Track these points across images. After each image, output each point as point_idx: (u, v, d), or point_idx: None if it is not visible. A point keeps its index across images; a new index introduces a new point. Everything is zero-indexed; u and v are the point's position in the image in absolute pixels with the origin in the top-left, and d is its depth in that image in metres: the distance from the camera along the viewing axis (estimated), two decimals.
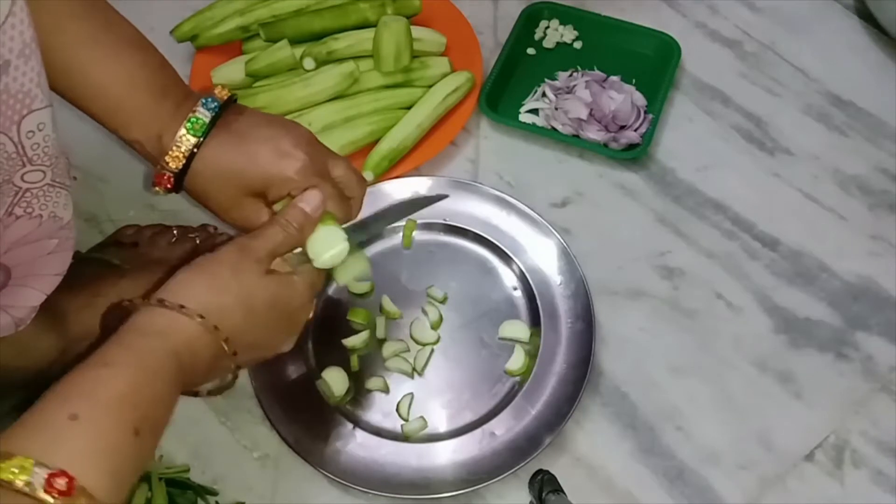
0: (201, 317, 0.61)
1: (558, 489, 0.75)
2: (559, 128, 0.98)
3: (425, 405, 0.82)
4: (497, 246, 0.89)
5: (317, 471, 0.78)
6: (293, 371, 0.83)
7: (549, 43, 1.06)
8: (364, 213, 0.78)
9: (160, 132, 0.69)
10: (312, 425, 0.80)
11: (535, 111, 1.00)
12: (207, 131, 0.69)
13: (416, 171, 0.94)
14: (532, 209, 0.90)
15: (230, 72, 0.99)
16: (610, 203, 0.95)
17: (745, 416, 0.82)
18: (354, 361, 0.84)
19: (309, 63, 0.96)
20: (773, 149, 0.98)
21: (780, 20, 1.07)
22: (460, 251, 0.90)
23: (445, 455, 0.79)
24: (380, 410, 0.82)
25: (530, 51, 1.06)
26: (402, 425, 0.81)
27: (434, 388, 0.83)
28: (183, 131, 0.68)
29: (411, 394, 0.82)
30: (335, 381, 0.82)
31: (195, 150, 0.68)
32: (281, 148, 0.70)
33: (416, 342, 0.85)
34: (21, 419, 0.52)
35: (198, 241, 0.89)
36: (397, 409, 0.82)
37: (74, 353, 0.79)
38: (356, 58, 0.97)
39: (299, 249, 0.70)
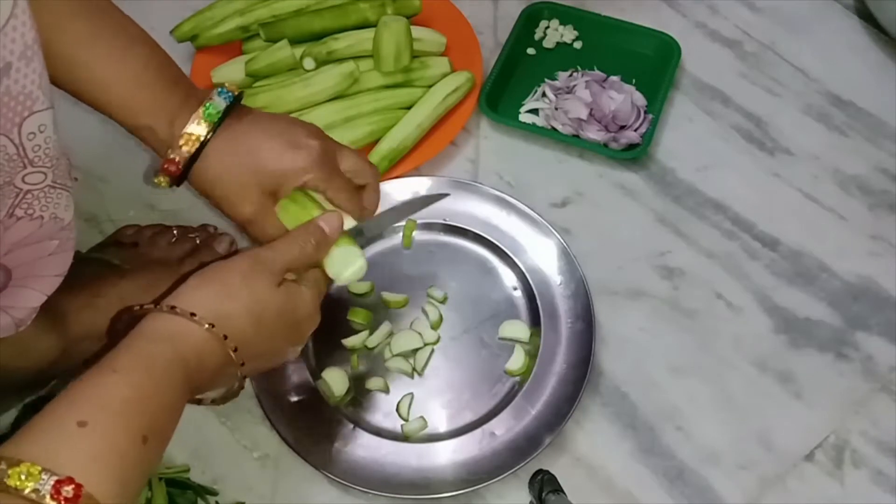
0: (212, 325, 0.61)
1: (558, 489, 0.75)
2: (559, 128, 0.98)
3: (425, 405, 0.82)
4: (497, 246, 0.89)
5: (317, 471, 0.78)
6: (293, 371, 0.83)
7: (549, 43, 1.06)
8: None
9: (172, 118, 0.69)
10: (312, 425, 0.80)
11: (535, 111, 1.00)
12: (222, 119, 0.69)
13: (416, 171, 0.94)
14: (532, 209, 0.90)
15: (230, 72, 0.99)
16: (610, 203, 0.95)
17: (745, 416, 0.82)
18: (354, 361, 0.84)
19: (309, 63, 0.96)
20: (773, 149, 0.98)
21: (780, 20, 1.07)
22: (460, 251, 0.90)
23: (445, 455, 0.79)
24: (380, 410, 0.82)
25: (530, 51, 1.06)
26: (402, 425, 0.81)
27: (434, 388, 0.83)
28: (198, 116, 0.68)
29: (411, 394, 0.82)
30: (335, 381, 0.83)
31: (209, 135, 0.69)
32: (294, 139, 0.71)
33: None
34: (29, 424, 0.52)
35: (198, 241, 0.89)
36: (397, 409, 0.82)
37: (74, 353, 0.79)
38: (356, 58, 0.97)
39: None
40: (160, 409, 0.56)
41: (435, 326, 0.86)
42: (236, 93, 0.71)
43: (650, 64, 1.03)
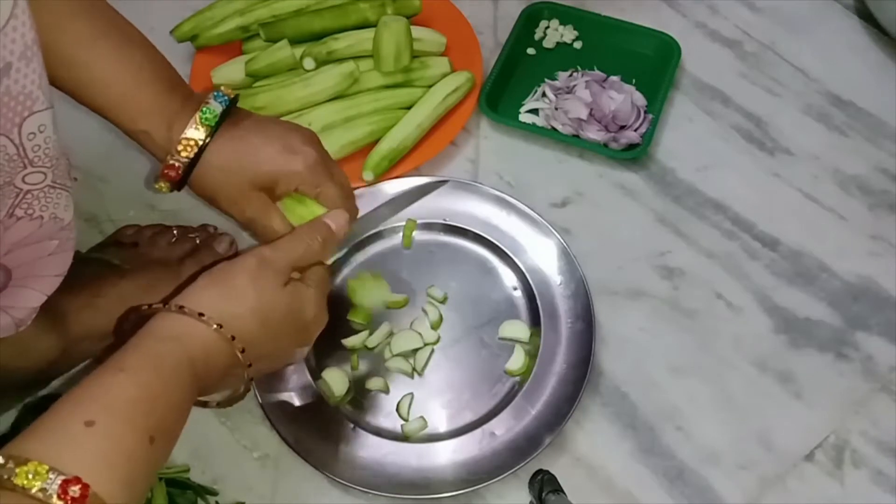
0: (219, 325, 0.61)
1: (558, 489, 0.75)
2: (559, 128, 0.98)
3: (425, 405, 0.82)
4: (497, 246, 0.89)
5: (317, 471, 0.78)
6: (293, 371, 0.83)
7: (549, 43, 1.06)
8: (364, 210, 0.81)
9: (170, 122, 0.69)
10: (312, 425, 0.80)
11: (535, 111, 1.00)
12: (220, 123, 0.69)
13: (416, 171, 0.94)
14: (532, 209, 0.90)
15: (230, 72, 0.99)
16: (610, 203, 0.95)
17: (745, 416, 0.82)
18: (354, 361, 0.84)
19: (309, 63, 0.96)
20: (773, 149, 0.98)
21: (780, 20, 1.07)
22: (460, 251, 0.90)
23: (445, 455, 0.79)
24: (380, 410, 0.82)
25: (530, 51, 1.06)
26: (402, 425, 0.81)
27: (434, 388, 0.83)
28: (195, 121, 0.69)
29: (411, 394, 0.82)
30: (335, 381, 0.82)
31: (208, 139, 0.69)
32: (290, 144, 0.72)
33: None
34: (36, 423, 0.52)
35: (198, 241, 0.89)
36: (397, 409, 0.82)
37: (74, 353, 0.79)
38: (356, 58, 0.97)
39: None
40: (168, 409, 0.56)
41: (435, 326, 0.86)
42: (232, 96, 0.71)
43: (650, 64, 1.02)
